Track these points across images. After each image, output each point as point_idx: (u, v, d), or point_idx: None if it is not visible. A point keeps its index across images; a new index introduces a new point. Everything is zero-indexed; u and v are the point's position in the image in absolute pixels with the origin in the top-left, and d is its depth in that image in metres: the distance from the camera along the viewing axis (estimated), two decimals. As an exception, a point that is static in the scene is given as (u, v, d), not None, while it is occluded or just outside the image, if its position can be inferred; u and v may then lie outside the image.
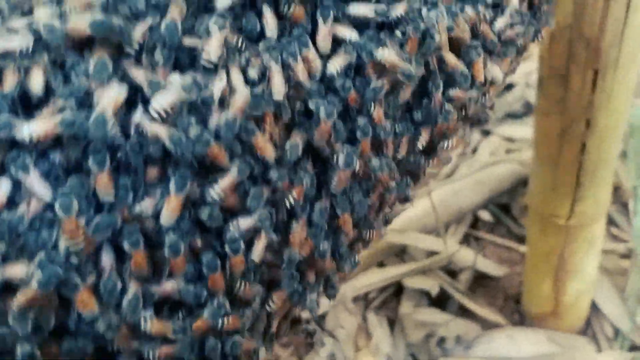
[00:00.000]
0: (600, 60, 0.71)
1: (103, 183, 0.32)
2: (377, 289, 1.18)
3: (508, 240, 1.23)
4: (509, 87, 1.47)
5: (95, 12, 0.33)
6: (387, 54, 0.39)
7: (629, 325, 1.07)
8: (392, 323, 1.15)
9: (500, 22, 0.45)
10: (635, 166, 1.14)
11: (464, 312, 1.14)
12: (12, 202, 0.31)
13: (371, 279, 1.17)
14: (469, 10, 0.43)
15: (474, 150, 1.38)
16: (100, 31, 0.32)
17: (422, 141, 0.43)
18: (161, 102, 0.33)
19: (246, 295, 0.39)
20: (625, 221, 1.22)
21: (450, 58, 0.42)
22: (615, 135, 0.81)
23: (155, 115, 0.33)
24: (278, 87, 0.36)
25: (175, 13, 0.34)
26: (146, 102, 0.33)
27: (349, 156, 0.38)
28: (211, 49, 0.35)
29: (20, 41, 0.32)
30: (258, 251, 0.37)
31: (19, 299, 0.32)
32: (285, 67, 0.37)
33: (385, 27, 0.40)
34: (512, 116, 1.41)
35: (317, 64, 0.37)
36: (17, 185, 0.32)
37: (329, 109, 0.37)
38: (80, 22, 0.32)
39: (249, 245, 0.37)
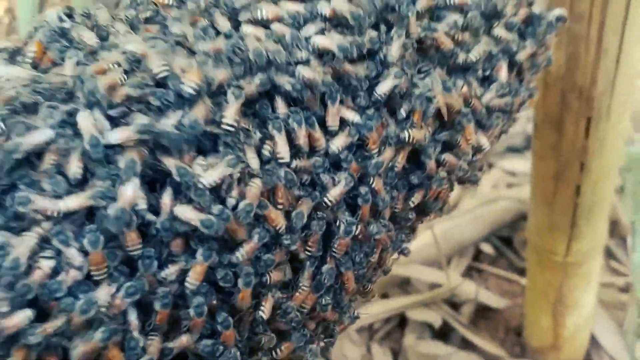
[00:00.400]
0: (593, 109, 0.75)
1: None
2: (380, 320, 1.21)
3: (510, 272, 1.26)
4: (511, 121, 1.51)
5: (140, 117, 0.37)
6: (413, 132, 0.44)
7: (628, 358, 1.09)
8: (396, 354, 1.17)
9: (488, 96, 0.48)
10: (633, 202, 1.17)
11: (466, 345, 1.16)
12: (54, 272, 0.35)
13: (375, 310, 1.19)
14: (459, 82, 0.46)
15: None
16: (144, 134, 0.37)
17: (415, 200, 0.46)
18: (212, 177, 0.37)
19: (254, 344, 0.42)
20: (624, 255, 1.25)
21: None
22: (609, 178, 0.84)
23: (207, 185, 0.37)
24: (283, 153, 0.40)
25: (201, 110, 0.38)
26: (176, 186, 0.37)
27: (349, 225, 0.42)
28: (229, 114, 0.39)
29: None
30: (267, 309, 0.41)
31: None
32: (290, 133, 0.41)
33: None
34: (513, 150, 1.44)
35: (322, 141, 0.41)
36: (58, 255, 0.36)
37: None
38: (125, 132, 0.36)
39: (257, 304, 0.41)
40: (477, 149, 0.49)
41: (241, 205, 0.38)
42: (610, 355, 1.11)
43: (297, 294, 0.43)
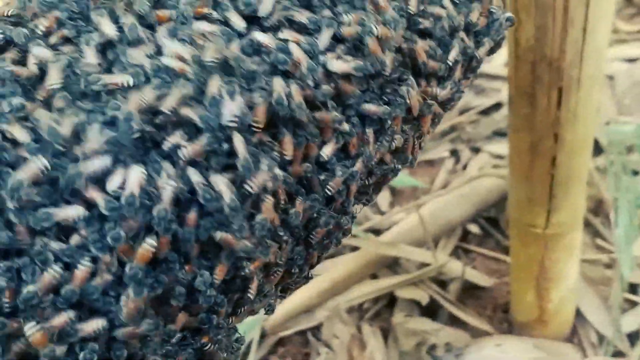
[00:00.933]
0: (563, 80, 0.77)
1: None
2: (370, 300, 1.23)
3: (496, 252, 1.28)
4: (497, 106, 1.53)
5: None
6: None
7: (613, 332, 1.11)
8: (386, 332, 1.19)
9: (443, 93, 0.52)
10: (615, 179, 1.20)
11: (454, 321, 1.19)
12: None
13: (364, 290, 1.22)
14: (423, 82, 0.50)
15: (465, 167, 1.43)
16: None
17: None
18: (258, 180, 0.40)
19: None
20: (608, 232, 1.27)
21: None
22: (584, 148, 0.86)
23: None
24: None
25: None
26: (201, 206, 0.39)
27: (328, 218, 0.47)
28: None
29: None
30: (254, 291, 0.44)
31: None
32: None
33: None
34: (500, 134, 1.46)
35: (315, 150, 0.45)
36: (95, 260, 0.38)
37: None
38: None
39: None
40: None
41: (258, 218, 0.41)
42: (596, 329, 1.14)
43: (272, 277, 0.46)
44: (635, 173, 1.20)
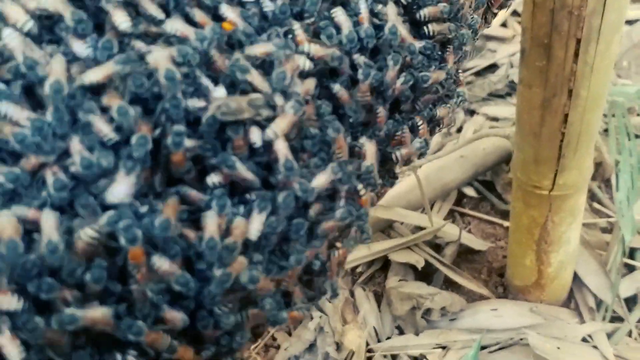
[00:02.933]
0: (583, 30, 0.73)
1: None
2: (364, 263, 1.20)
3: (492, 216, 1.25)
4: (493, 67, 1.49)
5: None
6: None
7: (611, 296, 1.10)
8: (379, 297, 1.17)
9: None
10: (617, 142, 1.17)
11: (449, 285, 1.16)
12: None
13: (358, 254, 1.19)
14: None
15: (459, 130, 1.40)
16: None
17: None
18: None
19: None
20: (606, 196, 1.25)
21: None
22: (597, 107, 0.83)
23: None
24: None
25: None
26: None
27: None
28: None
29: None
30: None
31: None
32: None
33: None
34: (496, 96, 1.43)
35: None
36: None
37: None
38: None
39: None
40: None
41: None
42: (593, 293, 1.12)
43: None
44: (637, 136, 1.17)
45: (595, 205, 1.24)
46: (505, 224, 1.22)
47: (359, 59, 0.45)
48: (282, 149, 0.39)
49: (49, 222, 0.34)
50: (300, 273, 0.43)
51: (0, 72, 0.37)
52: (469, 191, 1.28)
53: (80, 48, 0.37)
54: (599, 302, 1.11)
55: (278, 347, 1.12)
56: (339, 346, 1.10)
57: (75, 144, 0.35)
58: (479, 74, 1.50)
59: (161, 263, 0.36)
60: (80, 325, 0.35)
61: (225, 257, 0.38)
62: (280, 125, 0.39)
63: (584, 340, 1.07)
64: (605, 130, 1.26)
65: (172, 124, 0.37)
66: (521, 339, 1.06)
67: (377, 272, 1.20)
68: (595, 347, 1.05)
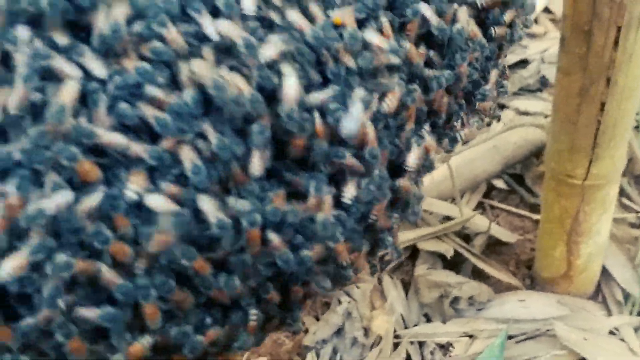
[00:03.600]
0: (624, 17, 0.74)
1: None
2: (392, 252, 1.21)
3: (521, 208, 1.26)
4: (524, 62, 1.50)
5: None
6: None
7: (639, 290, 1.10)
8: (407, 285, 1.18)
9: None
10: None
11: (477, 275, 1.17)
12: None
13: (386, 242, 1.20)
14: None
15: (489, 124, 1.41)
16: None
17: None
18: None
19: None
20: (635, 191, 1.25)
21: None
22: (634, 96, 0.84)
23: None
24: None
25: None
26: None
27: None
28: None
29: None
30: None
31: None
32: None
33: None
34: (527, 90, 1.44)
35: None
36: None
37: None
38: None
39: None
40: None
41: None
42: (621, 287, 1.12)
43: None
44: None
45: (625, 200, 1.24)
46: (534, 217, 1.23)
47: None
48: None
49: (208, 204, 0.39)
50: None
51: (142, 49, 0.39)
52: (499, 183, 1.29)
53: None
54: (627, 296, 1.11)
55: (306, 332, 1.13)
56: (366, 331, 1.12)
57: (209, 127, 0.39)
58: (509, 68, 1.51)
59: (273, 237, 0.42)
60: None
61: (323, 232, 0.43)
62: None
63: (610, 333, 1.07)
64: (637, 127, 1.26)
65: None
66: (548, 330, 1.07)
67: (405, 261, 1.21)
68: (622, 339, 1.06)
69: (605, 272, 1.14)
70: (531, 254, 1.19)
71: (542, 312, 1.10)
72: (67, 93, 0.37)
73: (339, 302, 1.14)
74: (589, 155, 0.90)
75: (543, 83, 1.44)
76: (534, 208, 1.24)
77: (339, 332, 1.12)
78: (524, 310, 1.11)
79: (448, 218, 1.22)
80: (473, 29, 0.50)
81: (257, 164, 0.40)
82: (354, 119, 0.42)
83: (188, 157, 0.39)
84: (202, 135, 0.39)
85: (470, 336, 1.09)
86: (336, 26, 0.43)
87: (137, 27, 0.39)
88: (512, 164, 1.28)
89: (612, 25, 0.75)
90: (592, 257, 1.07)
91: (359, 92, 0.43)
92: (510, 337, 1.07)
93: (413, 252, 1.21)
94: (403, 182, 0.50)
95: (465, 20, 0.49)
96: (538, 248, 1.13)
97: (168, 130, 0.38)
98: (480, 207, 1.28)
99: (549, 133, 0.94)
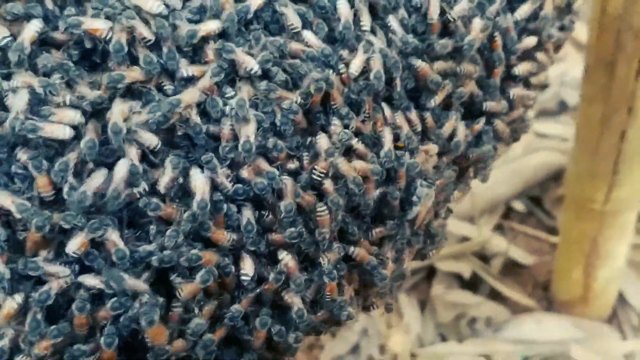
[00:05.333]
0: (647, 50, 0.76)
1: None
2: (408, 271, 1.22)
3: (539, 231, 1.27)
4: (544, 86, 1.51)
5: None
6: None
7: (655, 316, 1.11)
8: (423, 305, 1.19)
9: None
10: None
11: (494, 296, 1.18)
12: None
13: (404, 261, 1.21)
14: None
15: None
16: None
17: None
18: None
19: None
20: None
21: None
22: (655, 125, 0.86)
23: None
24: None
25: None
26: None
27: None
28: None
29: None
30: None
31: None
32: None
33: None
34: (546, 114, 1.45)
35: None
36: None
37: None
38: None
39: None
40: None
41: None
42: (637, 312, 1.13)
43: None
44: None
45: (641, 225, 1.25)
46: (552, 239, 1.24)
47: None
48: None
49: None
50: None
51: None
52: (517, 205, 1.31)
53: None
54: (643, 321, 1.12)
55: (322, 348, 1.15)
56: (382, 349, 1.13)
57: None
58: (529, 92, 1.53)
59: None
60: None
61: None
62: None
63: (626, 357, 1.08)
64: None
65: None
66: (564, 352, 1.08)
67: (422, 280, 1.23)
68: (637, 364, 1.07)
69: (621, 296, 1.15)
70: (548, 276, 1.20)
71: (559, 334, 1.11)
72: None
73: (356, 319, 1.15)
74: (609, 182, 0.92)
75: (562, 106, 1.45)
76: (552, 230, 1.25)
77: (355, 349, 1.13)
78: (540, 332, 1.12)
79: (466, 238, 1.24)
80: None
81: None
82: None
83: None
84: None
85: (487, 357, 1.10)
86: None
87: None
88: (530, 187, 1.30)
89: (635, 58, 0.77)
90: (609, 281, 1.08)
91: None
92: (526, 359, 1.08)
93: (430, 272, 1.22)
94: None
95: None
96: (555, 270, 1.14)
97: None
98: (498, 228, 1.29)
99: (570, 158, 0.96)
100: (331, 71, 0.50)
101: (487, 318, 1.14)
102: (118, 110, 0.44)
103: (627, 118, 0.83)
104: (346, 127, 0.50)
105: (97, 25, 0.46)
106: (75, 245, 0.42)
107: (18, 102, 0.42)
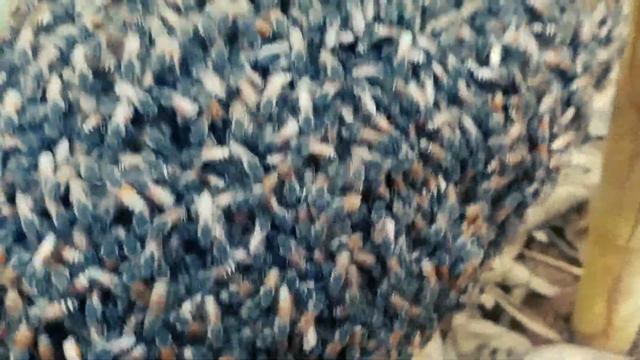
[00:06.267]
0: (677, 92, 0.77)
1: None
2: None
3: (561, 261, 1.28)
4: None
5: None
6: None
7: (675, 351, 1.11)
8: (445, 334, 1.20)
9: None
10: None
11: (515, 327, 1.19)
12: None
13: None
14: None
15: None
16: None
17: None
18: None
19: None
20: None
21: None
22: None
23: None
24: None
25: None
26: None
27: None
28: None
29: None
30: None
31: None
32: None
33: None
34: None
35: None
36: None
37: None
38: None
39: None
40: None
41: None
42: (658, 346, 1.13)
43: None
44: None
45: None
46: (574, 270, 1.25)
47: None
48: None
49: None
50: None
51: None
52: (539, 235, 1.31)
53: None
54: (663, 356, 1.12)
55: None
56: (404, 377, 1.14)
57: None
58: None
59: None
60: None
61: None
62: None
63: (646, 390, 1.08)
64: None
65: None
66: (584, 384, 1.09)
67: (444, 308, 1.23)
68: (657, 398, 1.07)
69: (642, 330, 1.15)
70: (570, 308, 1.20)
71: (579, 367, 1.11)
72: None
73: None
74: (634, 218, 0.92)
75: (586, 136, 1.46)
76: (574, 261, 1.26)
77: (377, 376, 1.14)
78: (561, 364, 1.12)
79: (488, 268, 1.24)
80: None
81: None
82: None
83: None
84: None
85: (508, 387, 1.11)
86: None
87: None
88: (552, 218, 1.31)
89: (666, 98, 0.78)
90: (631, 316, 1.08)
91: None
92: (546, 390, 1.08)
93: (452, 300, 1.23)
94: None
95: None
96: (578, 303, 1.14)
97: None
98: (520, 257, 1.30)
99: (596, 193, 0.97)
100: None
101: (509, 349, 1.14)
102: (207, 209, 0.46)
103: (655, 156, 0.84)
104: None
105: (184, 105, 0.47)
106: None
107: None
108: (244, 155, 0.47)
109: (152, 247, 0.45)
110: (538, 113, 0.61)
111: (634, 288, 1.03)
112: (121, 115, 0.46)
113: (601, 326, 1.10)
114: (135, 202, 0.45)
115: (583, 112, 0.65)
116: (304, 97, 0.49)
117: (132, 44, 0.48)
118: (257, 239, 0.47)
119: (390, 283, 0.53)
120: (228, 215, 0.47)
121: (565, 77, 0.65)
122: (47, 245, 0.45)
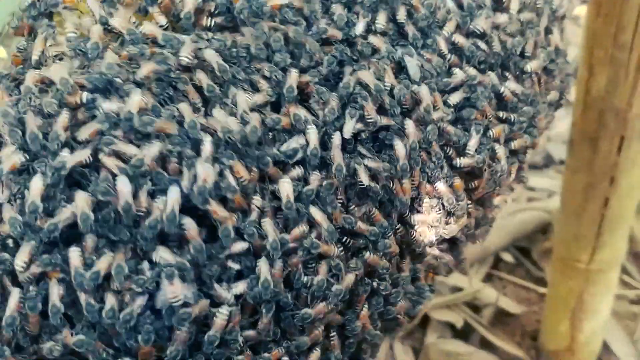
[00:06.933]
0: (627, 129, 0.83)
1: None
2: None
3: (527, 281, 1.33)
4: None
5: None
6: None
7: (637, 364, 1.17)
8: (417, 352, 1.24)
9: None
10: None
11: (485, 345, 1.23)
12: None
13: (400, 310, 1.26)
14: None
15: (497, 196, 1.48)
16: None
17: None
18: None
19: None
20: (635, 269, 1.33)
21: None
22: (636, 193, 0.92)
23: None
24: None
25: None
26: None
27: None
28: None
29: None
30: None
31: None
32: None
33: None
34: (533, 167, 1.52)
35: None
36: None
37: None
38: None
39: None
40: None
41: None
42: (620, 360, 1.19)
43: None
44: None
45: (625, 277, 1.31)
46: (540, 289, 1.30)
47: None
48: None
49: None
50: None
51: None
52: (506, 256, 1.37)
53: None
54: (626, 370, 1.18)
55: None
56: (379, 396, 1.18)
57: None
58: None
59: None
60: None
61: None
62: None
63: (610, 404, 1.14)
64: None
65: None
66: (551, 400, 1.14)
67: (416, 328, 1.28)
68: (621, 412, 1.12)
69: (605, 346, 1.20)
70: (536, 326, 1.26)
71: (546, 383, 1.16)
72: None
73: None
74: (592, 243, 0.98)
75: (549, 160, 1.52)
76: (540, 281, 1.31)
77: (353, 396, 1.18)
78: (529, 380, 1.17)
79: (458, 288, 1.29)
80: None
81: None
82: None
83: None
84: None
85: (478, 405, 1.15)
86: None
87: None
88: (519, 239, 1.36)
89: (617, 135, 0.84)
90: (594, 333, 1.14)
91: None
92: (515, 407, 1.13)
93: (424, 320, 1.27)
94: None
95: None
96: (544, 322, 1.20)
97: None
98: (488, 278, 1.35)
99: (557, 221, 1.02)
100: None
101: (479, 367, 1.19)
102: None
103: (609, 187, 0.90)
104: None
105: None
106: None
107: None
108: None
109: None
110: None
111: (596, 307, 1.09)
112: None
113: (566, 343, 1.15)
114: None
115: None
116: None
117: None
118: None
119: None
120: None
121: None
122: None
